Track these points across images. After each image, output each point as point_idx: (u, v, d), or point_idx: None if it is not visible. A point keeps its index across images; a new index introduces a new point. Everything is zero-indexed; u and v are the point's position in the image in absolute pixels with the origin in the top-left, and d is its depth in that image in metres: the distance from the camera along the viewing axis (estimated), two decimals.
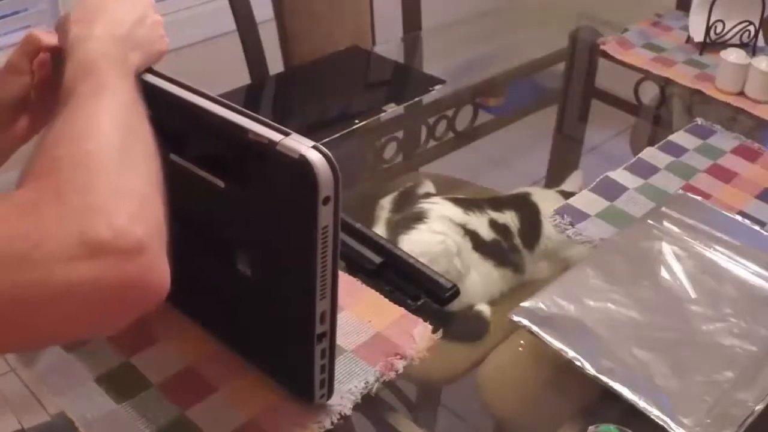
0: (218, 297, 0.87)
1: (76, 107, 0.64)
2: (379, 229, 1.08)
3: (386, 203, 1.15)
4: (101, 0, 0.77)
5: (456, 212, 1.09)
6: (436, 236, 1.05)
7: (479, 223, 1.09)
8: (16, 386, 0.87)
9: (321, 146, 0.69)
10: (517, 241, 1.11)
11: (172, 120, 0.77)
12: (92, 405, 0.83)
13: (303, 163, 0.67)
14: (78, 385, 0.85)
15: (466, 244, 1.06)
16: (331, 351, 0.79)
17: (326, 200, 0.69)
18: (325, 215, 0.69)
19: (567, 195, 1.22)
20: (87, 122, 0.62)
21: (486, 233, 1.09)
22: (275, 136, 0.69)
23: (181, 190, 0.83)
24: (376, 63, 1.73)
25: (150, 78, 0.81)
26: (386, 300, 0.99)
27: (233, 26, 1.67)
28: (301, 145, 0.68)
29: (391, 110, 1.46)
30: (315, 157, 0.67)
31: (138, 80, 0.80)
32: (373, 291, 1.00)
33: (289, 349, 0.81)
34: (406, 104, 1.50)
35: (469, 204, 1.11)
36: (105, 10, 0.76)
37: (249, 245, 0.79)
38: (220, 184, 0.76)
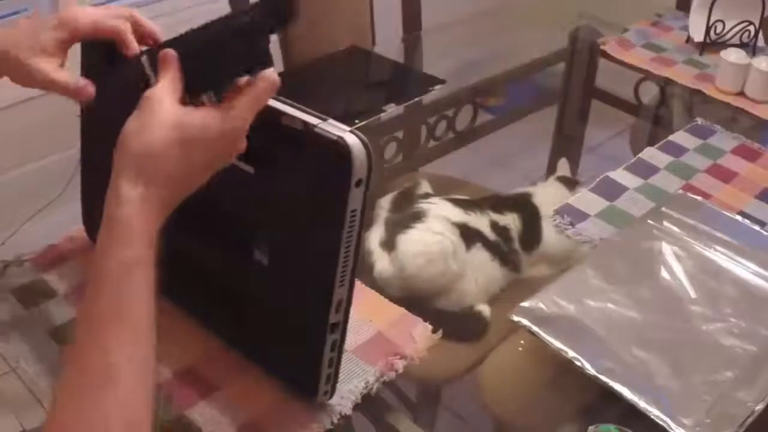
0: (225, 292, 0.87)
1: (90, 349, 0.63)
2: (378, 229, 1.08)
3: (385, 203, 1.16)
4: (161, 147, 0.68)
5: (454, 212, 1.09)
6: (433, 236, 1.05)
7: (479, 223, 1.09)
8: (17, 386, 0.87)
9: (357, 131, 0.72)
10: (517, 242, 1.11)
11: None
12: None
13: (341, 145, 0.70)
14: None
15: (463, 244, 1.06)
16: (341, 344, 0.79)
17: (358, 183, 0.71)
18: (356, 198, 0.72)
19: (565, 180, 1.23)
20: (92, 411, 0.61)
21: (486, 234, 1.09)
22: (312, 120, 0.72)
23: (206, 183, 0.84)
24: (376, 63, 1.73)
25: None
26: (386, 300, 0.99)
27: None
28: (338, 128, 0.72)
29: (391, 110, 1.46)
30: (352, 140, 0.71)
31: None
32: (373, 291, 1.00)
33: (298, 341, 0.81)
34: (406, 104, 1.50)
35: (468, 204, 1.11)
36: (164, 164, 0.68)
37: (270, 233, 0.80)
38: (250, 170, 0.76)
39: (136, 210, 0.67)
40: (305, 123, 0.73)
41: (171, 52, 0.72)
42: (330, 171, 0.72)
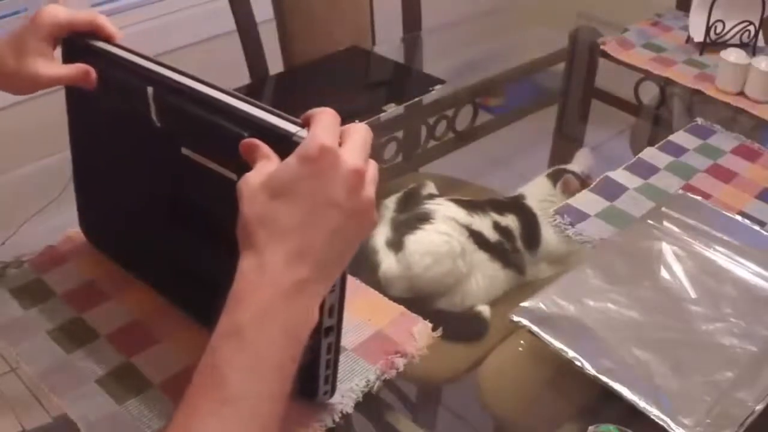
0: (222, 294, 0.87)
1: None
2: (384, 229, 1.08)
3: (390, 203, 1.16)
4: (301, 200, 0.63)
5: (460, 213, 1.09)
6: (441, 236, 1.05)
7: (483, 224, 1.10)
8: (17, 387, 0.87)
9: None
10: (519, 243, 1.11)
11: (184, 113, 0.77)
12: (93, 406, 0.83)
13: None
14: (79, 386, 0.85)
15: (470, 245, 1.07)
16: (337, 346, 0.79)
17: None
18: None
19: (553, 175, 1.22)
20: None
21: (489, 235, 1.09)
22: (291, 128, 0.70)
23: (192, 185, 0.84)
24: (376, 63, 1.73)
25: (160, 69, 0.82)
26: (385, 299, 0.99)
27: (233, 26, 1.67)
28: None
29: (391, 110, 1.46)
30: None
31: (149, 73, 0.80)
32: (372, 290, 1.00)
33: None
34: (406, 104, 1.50)
35: (471, 206, 1.11)
36: (303, 227, 0.63)
37: None
38: (233, 177, 0.76)
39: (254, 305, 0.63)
40: (286, 131, 0.70)
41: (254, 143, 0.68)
42: None
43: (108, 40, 0.89)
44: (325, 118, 0.66)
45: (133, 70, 0.84)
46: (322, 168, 0.63)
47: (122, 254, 0.99)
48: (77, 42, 0.89)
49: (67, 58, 0.90)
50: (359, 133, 0.67)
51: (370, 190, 0.66)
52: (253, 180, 0.64)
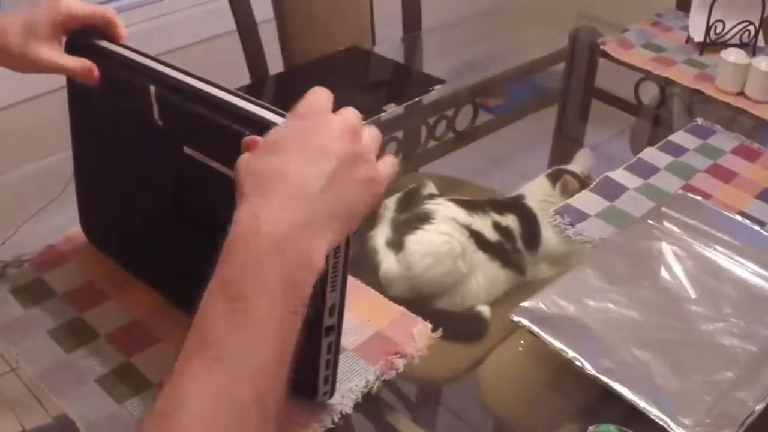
0: None
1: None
2: (384, 229, 1.08)
3: (390, 203, 1.16)
4: (293, 151, 0.63)
5: (460, 213, 1.09)
6: (441, 236, 1.05)
7: (483, 224, 1.10)
8: (17, 387, 0.87)
9: None
10: (519, 243, 1.11)
11: (187, 112, 0.77)
12: (93, 406, 0.83)
13: None
14: (78, 386, 0.85)
15: (471, 246, 1.07)
16: (337, 346, 0.79)
17: None
18: None
19: (553, 175, 1.22)
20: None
21: (490, 235, 1.09)
22: None
23: (194, 184, 0.84)
24: (376, 63, 1.73)
25: (162, 68, 0.82)
26: (385, 299, 0.99)
27: (233, 26, 1.67)
28: None
29: (391, 110, 1.46)
30: None
31: (150, 71, 0.80)
32: (372, 290, 1.00)
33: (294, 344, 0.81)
34: (406, 104, 1.50)
35: (472, 206, 1.11)
36: (298, 174, 0.61)
37: None
38: (232, 174, 0.76)
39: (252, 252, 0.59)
40: None
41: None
42: None
43: (114, 39, 0.89)
44: (315, 90, 0.67)
45: (136, 69, 0.84)
46: (311, 120, 0.64)
47: (123, 253, 0.99)
48: (81, 39, 0.89)
49: (70, 54, 0.90)
50: (350, 109, 0.67)
51: (366, 140, 0.65)
52: (246, 155, 0.65)
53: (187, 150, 0.79)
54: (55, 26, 0.87)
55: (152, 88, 0.81)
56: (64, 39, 0.89)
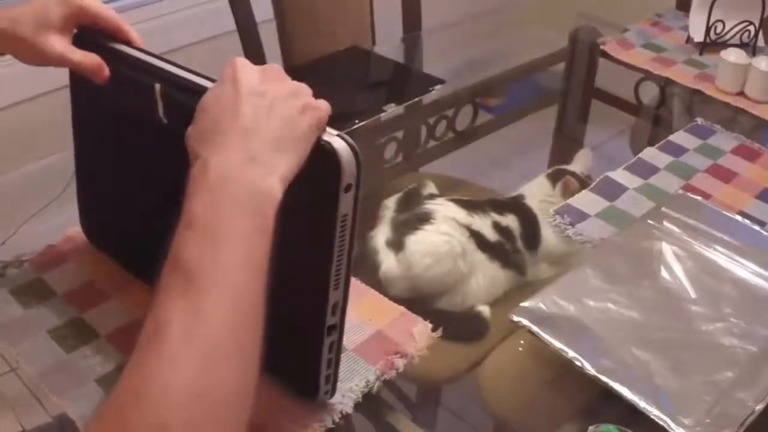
0: None
1: (165, 326, 0.57)
2: (384, 229, 1.08)
3: (391, 203, 1.16)
4: (224, 101, 0.68)
5: (460, 213, 1.09)
6: (441, 237, 1.05)
7: (483, 224, 1.10)
8: (17, 387, 0.87)
9: (345, 135, 0.71)
10: (519, 243, 1.11)
11: (192, 109, 0.77)
12: (93, 406, 0.83)
13: (328, 150, 0.69)
14: (78, 386, 0.85)
15: (471, 246, 1.07)
16: (339, 345, 0.79)
17: (348, 188, 0.70)
18: (346, 203, 0.71)
19: (553, 175, 1.22)
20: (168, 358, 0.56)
21: (490, 235, 1.09)
22: None
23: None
24: (376, 63, 1.73)
25: (167, 66, 0.82)
26: (386, 299, 0.99)
27: (233, 26, 1.67)
28: (326, 133, 0.71)
29: (391, 110, 1.46)
30: (340, 144, 0.70)
31: (157, 70, 0.81)
32: (372, 290, 1.00)
33: (296, 344, 0.81)
34: (406, 104, 1.50)
35: (472, 206, 1.11)
36: (233, 117, 0.66)
37: None
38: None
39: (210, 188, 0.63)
40: None
41: None
42: (318, 177, 0.71)
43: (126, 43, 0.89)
44: (236, 59, 0.72)
45: (141, 67, 0.84)
46: (232, 75, 0.69)
47: (123, 253, 0.99)
48: (88, 35, 0.89)
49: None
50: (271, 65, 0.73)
51: (287, 80, 0.71)
52: (189, 128, 0.70)
53: None
54: (66, 19, 0.86)
55: (157, 86, 0.81)
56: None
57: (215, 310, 0.58)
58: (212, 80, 0.79)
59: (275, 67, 0.72)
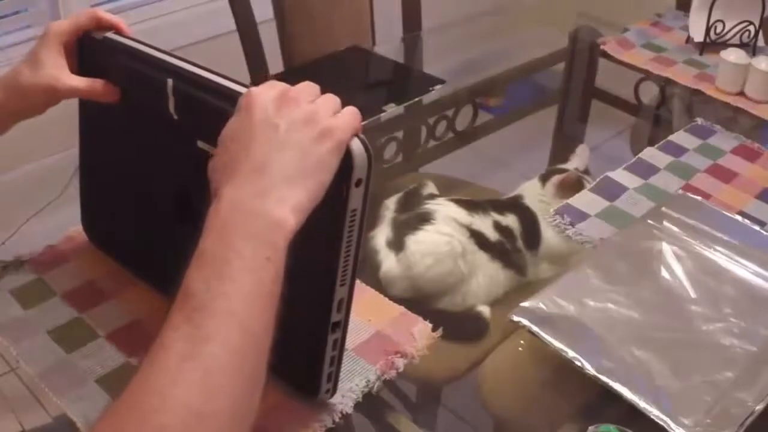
0: None
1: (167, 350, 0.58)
2: (384, 229, 1.08)
3: (391, 203, 1.16)
4: (238, 135, 0.68)
5: (461, 213, 1.09)
6: (442, 237, 1.05)
7: (483, 224, 1.10)
8: (17, 386, 0.87)
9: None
10: (520, 243, 1.11)
11: (205, 105, 0.77)
12: (93, 406, 0.83)
13: None
14: (79, 386, 0.85)
15: (471, 246, 1.07)
16: (342, 343, 0.79)
17: (359, 182, 0.71)
18: (356, 198, 0.71)
19: (544, 176, 1.22)
20: (167, 388, 0.57)
21: (490, 235, 1.09)
22: None
23: (206, 179, 0.84)
24: (376, 63, 1.73)
25: (179, 62, 0.82)
26: (386, 299, 0.99)
27: (233, 26, 1.67)
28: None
29: (391, 110, 1.46)
30: (352, 140, 0.70)
31: (162, 63, 0.81)
32: (372, 290, 1.00)
33: (299, 341, 0.81)
34: (406, 104, 1.50)
35: (472, 206, 1.11)
36: (246, 153, 0.66)
37: None
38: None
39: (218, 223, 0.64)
40: None
41: None
42: None
43: (117, 31, 0.90)
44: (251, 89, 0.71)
45: (153, 63, 0.84)
46: (246, 106, 0.69)
47: (124, 252, 0.99)
48: (91, 40, 0.89)
49: (84, 57, 0.91)
50: (278, 84, 0.71)
51: (304, 104, 0.70)
52: (210, 162, 0.70)
53: (200, 144, 0.79)
54: (56, 50, 0.88)
55: (170, 81, 0.81)
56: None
57: (218, 336, 0.59)
58: (224, 77, 0.79)
59: (295, 88, 0.71)
